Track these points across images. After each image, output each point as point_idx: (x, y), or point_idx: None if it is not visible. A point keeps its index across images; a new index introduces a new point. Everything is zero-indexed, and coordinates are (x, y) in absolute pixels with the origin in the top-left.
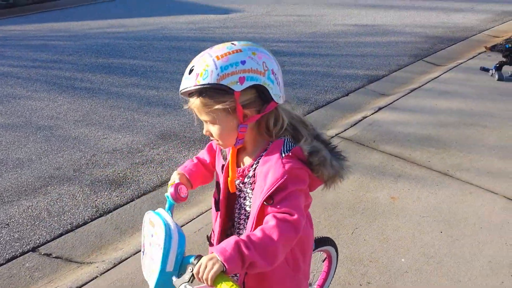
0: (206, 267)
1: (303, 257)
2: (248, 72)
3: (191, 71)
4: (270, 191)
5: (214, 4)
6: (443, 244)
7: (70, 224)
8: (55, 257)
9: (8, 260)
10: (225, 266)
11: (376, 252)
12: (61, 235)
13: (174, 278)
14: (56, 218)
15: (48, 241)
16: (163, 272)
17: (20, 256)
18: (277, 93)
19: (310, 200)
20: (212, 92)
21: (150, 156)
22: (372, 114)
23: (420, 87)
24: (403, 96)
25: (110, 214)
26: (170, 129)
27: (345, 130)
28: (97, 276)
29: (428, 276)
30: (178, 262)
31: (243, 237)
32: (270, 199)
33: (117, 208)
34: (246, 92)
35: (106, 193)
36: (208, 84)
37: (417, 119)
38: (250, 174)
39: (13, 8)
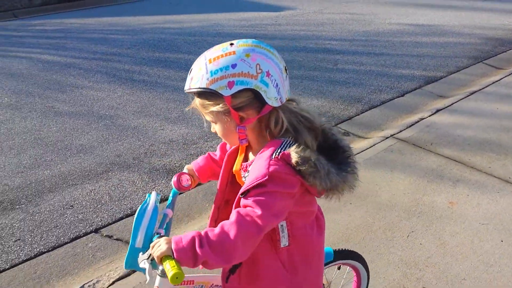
0: (159, 246)
1: (305, 261)
2: (237, 76)
3: (190, 73)
4: (246, 187)
5: (266, 1)
6: (504, 253)
7: (130, 209)
8: (116, 239)
9: (72, 239)
10: (173, 254)
11: (432, 257)
12: (121, 218)
13: (140, 254)
14: (116, 202)
15: (110, 224)
16: (132, 248)
17: (83, 236)
18: (273, 95)
19: (312, 208)
20: (206, 94)
21: (204, 148)
22: (429, 116)
23: (480, 90)
24: (463, 98)
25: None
26: None
27: (400, 131)
28: None
29: (487, 285)
30: (147, 240)
31: (203, 231)
32: (246, 194)
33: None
34: (239, 95)
35: (163, 182)
36: (199, 88)
37: (477, 123)
38: (249, 170)
39: (73, 2)
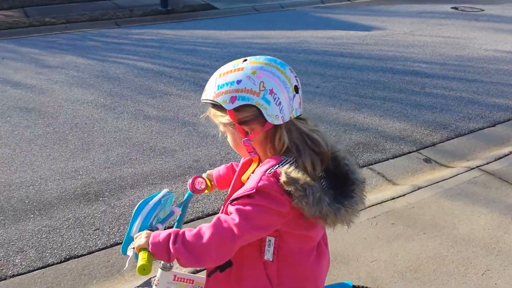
0: (140, 238)
1: (296, 284)
2: (240, 92)
3: (207, 84)
4: (235, 196)
5: (355, 20)
6: None
7: (201, 212)
8: None
9: None
10: (149, 247)
11: None
12: (192, 220)
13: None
14: (190, 204)
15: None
16: (128, 236)
17: None
18: (274, 113)
19: (308, 233)
20: (216, 106)
21: None
22: None
23: None
24: None
25: None
26: None
27: (488, 163)
28: None
29: None
30: (142, 230)
31: (182, 230)
32: (233, 202)
33: None
34: (243, 110)
35: None
36: (207, 99)
37: None
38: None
39: (170, 15)
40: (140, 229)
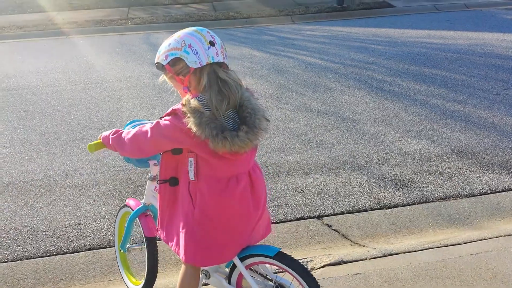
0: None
1: (205, 204)
2: (170, 50)
3: None
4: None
5: None
6: None
7: (352, 207)
8: (334, 230)
9: (297, 219)
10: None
11: None
12: (342, 213)
13: None
14: (341, 198)
15: (331, 215)
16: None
17: (306, 219)
18: (193, 60)
19: (214, 158)
20: (160, 67)
21: (441, 168)
22: None
23: None
24: None
25: (390, 210)
26: (469, 146)
27: None
28: (366, 259)
29: None
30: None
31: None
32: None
33: (396, 207)
34: (176, 64)
35: (389, 190)
36: (155, 63)
37: None
38: None
39: (344, 12)
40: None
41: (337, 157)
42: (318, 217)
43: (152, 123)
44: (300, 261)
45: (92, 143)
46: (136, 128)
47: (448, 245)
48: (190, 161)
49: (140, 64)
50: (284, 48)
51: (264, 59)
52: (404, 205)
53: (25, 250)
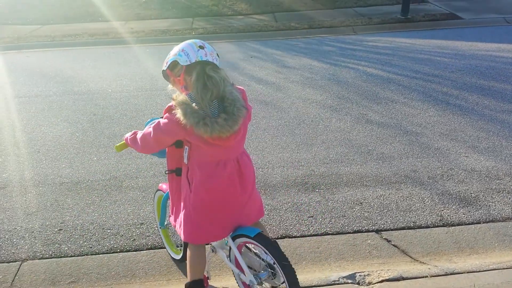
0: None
1: (197, 184)
2: (170, 57)
3: None
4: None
5: None
6: None
7: (413, 223)
8: (393, 245)
9: (355, 232)
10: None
11: None
12: (403, 228)
13: None
14: (402, 213)
15: (391, 229)
16: None
17: (364, 232)
18: (184, 59)
19: (202, 144)
20: (164, 75)
21: (509, 186)
22: None
23: None
24: None
25: (453, 227)
26: None
27: None
28: (426, 276)
29: None
30: None
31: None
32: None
33: (460, 225)
34: (174, 67)
35: (453, 207)
36: (162, 71)
37: None
38: None
39: (408, 23)
40: None
41: (398, 171)
42: (377, 231)
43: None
44: (357, 274)
45: (118, 144)
46: (145, 129)
47: None
48: (186, 149)
49: None
50: (344, 59)
51: (324, 70)
52: (468, 224)
53: (90, 246)
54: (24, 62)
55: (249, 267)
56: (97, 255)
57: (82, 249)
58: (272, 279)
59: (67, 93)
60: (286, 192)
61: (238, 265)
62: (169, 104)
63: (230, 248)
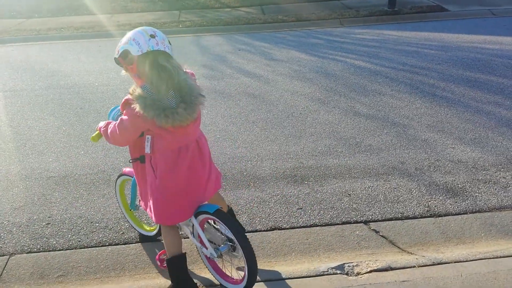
0: (101, 123)
1: (163, 171)
2: (120, 45)
3: None
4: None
5: None
6: None
7: (401, 214)
8: (381, 236)
9: (343, 223)
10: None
11: None
12: (390, 219)
13: None
14: (390, 204)
15: (379, 220)
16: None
17: (353, 223)
18: (135, 49)
19: (163, 132)
20: (116, 62)
21: (495, 177)
22: None
23: None
24: None
25: (440, 218)
26: None
27: None
28: (414, 266)
29: None
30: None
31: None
32: None
33: (447, 215)
34: (125, 56)
35: (440, 198)
36: (114, 58)
37: None
38: None
39: (395, 15)
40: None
41: (386, 163)
42: (365, 222)
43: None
44: (346, 265)
45: (93, 135)
46: (111, 125)
47: (501, 257)
48: (148, 138)
49: (190, 65)
50: (332, 52)
51: (312, 62)
52: (455, 214)
53: (79, 239)
54: (9, 55)
55: (211, 242)
56: (86, 249)
57: (70, 243)
58: (232, 251)
59: (53, 87)
60: (275, 185)
61: (200, 240)
62: (125, 98)
63: (193, 225)
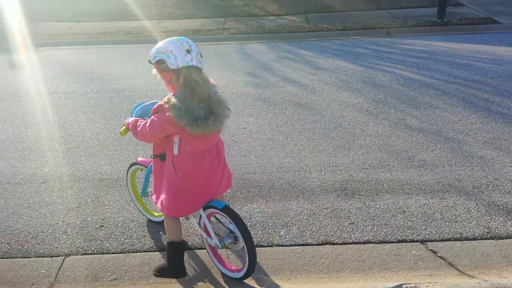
0: (129, 119)
1: (186, 172)
2: (157, 53)
3: None
4: (152, 111)
5: None
6: None
7: (459, 234)
8: (439, 257)
9: (398, 241)
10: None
11: None
12: (449, 239)
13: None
14: (447, 223)
15: (436, 240)
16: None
17: (409, 242)
18: (172, 62)
19: (192, 138)
20: (151, 64)
21: None
22: None
23: None
24: None
25: (501, 240)
26: None
27: None
28: None
29: None
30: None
31: (143, 120)
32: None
33: (509, 238)
34: (161, 63)
35: (501, 219)
36: (148, 61)
37: None
38: None
39: (444, 27)
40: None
41: (441, 179)
42: (422, 242)
43: (151, 114)
44: (404, 286)
45: (121, 129)
46: (142, 124)
47: None
48: (175, 140)
49: (235, 73)
50: (379, 62)
51: (359, 72)
52: None
53: (132, 243)
54: (60, 58)
55: (215, 233)
56: (138, 253)
57: (123, 247)
58: (234, 243)
59: (103, 90)
60: (325, 197)
61: (206, 231)
62: (159, 103)
63: (200, 216)
